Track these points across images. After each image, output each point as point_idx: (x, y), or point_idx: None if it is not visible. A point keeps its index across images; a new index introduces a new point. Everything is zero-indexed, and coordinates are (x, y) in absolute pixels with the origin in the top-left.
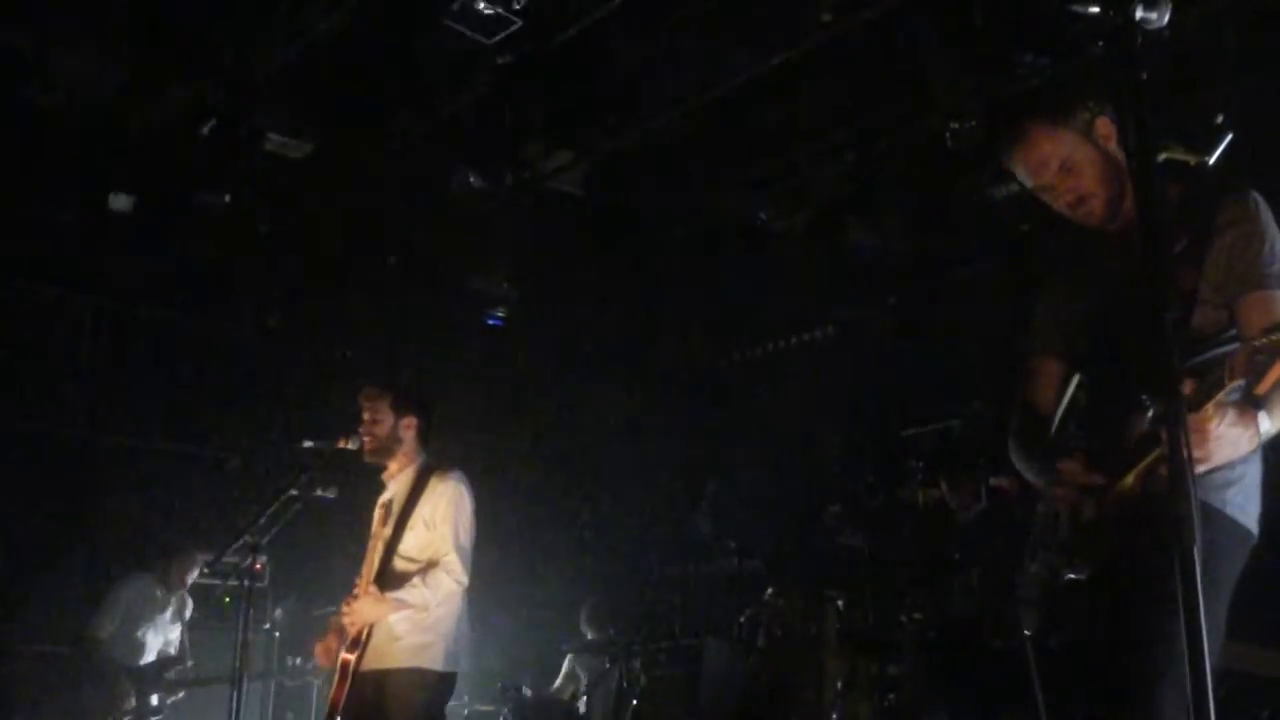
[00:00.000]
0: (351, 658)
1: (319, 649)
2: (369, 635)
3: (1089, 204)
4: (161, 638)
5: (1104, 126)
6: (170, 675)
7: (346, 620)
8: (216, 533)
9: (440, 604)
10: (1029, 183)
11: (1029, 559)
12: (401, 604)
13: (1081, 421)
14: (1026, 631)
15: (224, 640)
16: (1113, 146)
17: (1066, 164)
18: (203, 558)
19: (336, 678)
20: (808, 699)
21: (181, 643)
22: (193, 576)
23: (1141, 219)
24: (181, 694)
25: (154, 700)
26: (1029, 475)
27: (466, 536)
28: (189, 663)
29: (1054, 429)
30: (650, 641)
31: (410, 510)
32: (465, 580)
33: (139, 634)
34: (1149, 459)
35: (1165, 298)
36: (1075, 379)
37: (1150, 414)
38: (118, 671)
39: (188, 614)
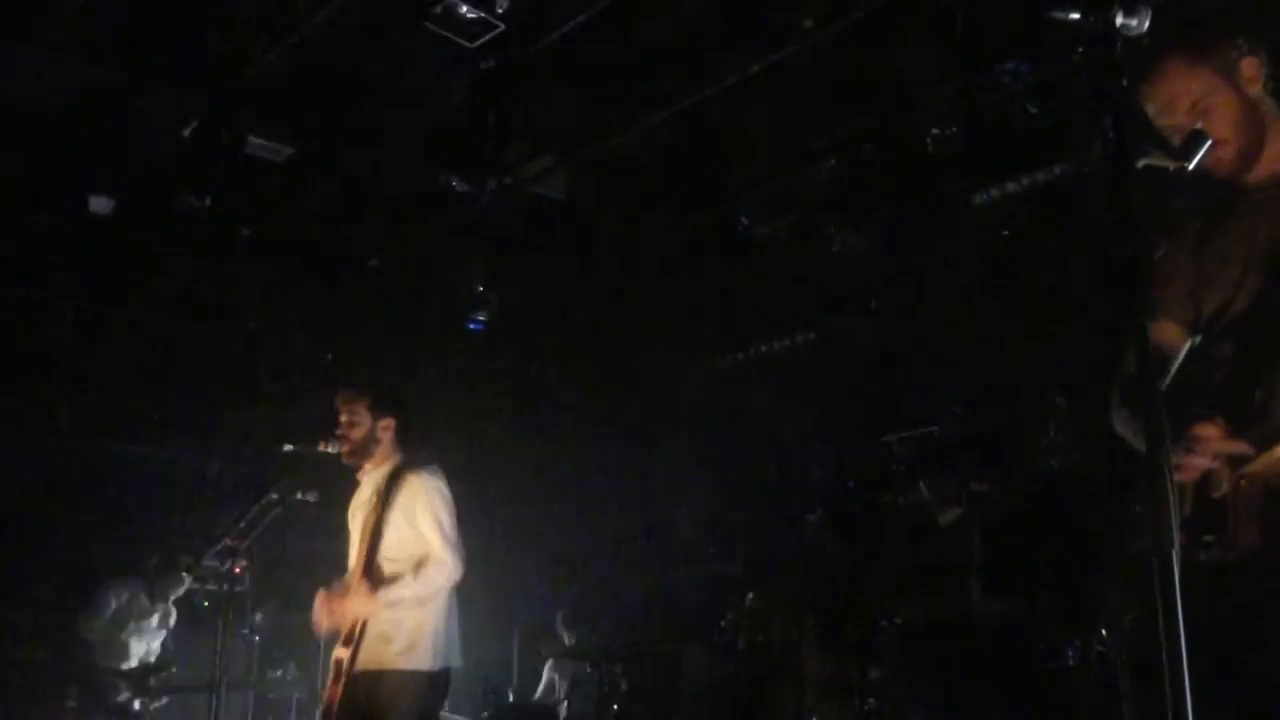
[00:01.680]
0: (345, 654)
1: (319, 602)
2: (362, 633)
3: (1218, 151)
4: (145, 644)
5: (1250, 68)
6: (152, 681)
7: (339, 615)
8: (197, 536)
9: (431, 600)
10: (1155, 119)
11: (1129, 535)
12: (392, 599)
13: (1198, 389)
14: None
15: (204, 645)
16: (1256, 91)
17: (1199, 106)
18: (185, 560)
19: (331, 675)
20: (788, 704)
21: (164, 650)
22: (178, 593)
23: (1124, 225)
24: (164, 700)
25: (135, 705)
26: (1137, 443)
27: (452, 527)
28: (172, 669)
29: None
30: (630, 646)
31: (387, 508)
32: (459, 572)
33: (124, 637)
34: None
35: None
36: (1188, 346)
37: None
38: (103, 672)
39: (171, 622)
